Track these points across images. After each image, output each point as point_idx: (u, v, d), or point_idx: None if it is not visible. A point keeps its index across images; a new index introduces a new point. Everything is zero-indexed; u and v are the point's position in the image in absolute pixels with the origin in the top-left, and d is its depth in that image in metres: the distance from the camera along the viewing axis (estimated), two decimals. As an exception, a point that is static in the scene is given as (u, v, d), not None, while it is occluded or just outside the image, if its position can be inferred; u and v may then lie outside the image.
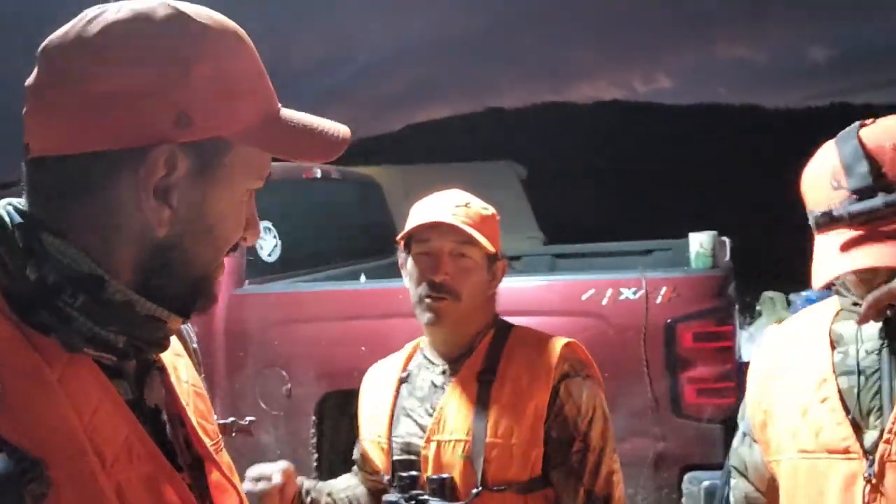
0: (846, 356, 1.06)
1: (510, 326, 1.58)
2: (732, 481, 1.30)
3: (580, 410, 1.45)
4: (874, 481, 0.98)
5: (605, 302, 2.94)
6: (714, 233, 3.02)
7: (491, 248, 1.51)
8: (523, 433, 1.43)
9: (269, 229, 3.89)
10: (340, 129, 0.79)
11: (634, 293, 2.91)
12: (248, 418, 1.13)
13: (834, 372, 1.06)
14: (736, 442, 1.28)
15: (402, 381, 1.59)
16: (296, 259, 4.04)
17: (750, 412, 1.23)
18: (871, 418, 1.01)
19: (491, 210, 1.57)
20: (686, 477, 2.84)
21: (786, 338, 1.22)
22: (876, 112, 1.10)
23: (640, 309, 2.88)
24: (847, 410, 1.03)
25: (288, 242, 4.01)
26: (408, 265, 1.55)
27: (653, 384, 2.86)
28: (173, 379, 0.79)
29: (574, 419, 1.45)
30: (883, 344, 1.03)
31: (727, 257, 3.40)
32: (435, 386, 1.54)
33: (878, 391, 1.01)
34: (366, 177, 5.32)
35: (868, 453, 1.00)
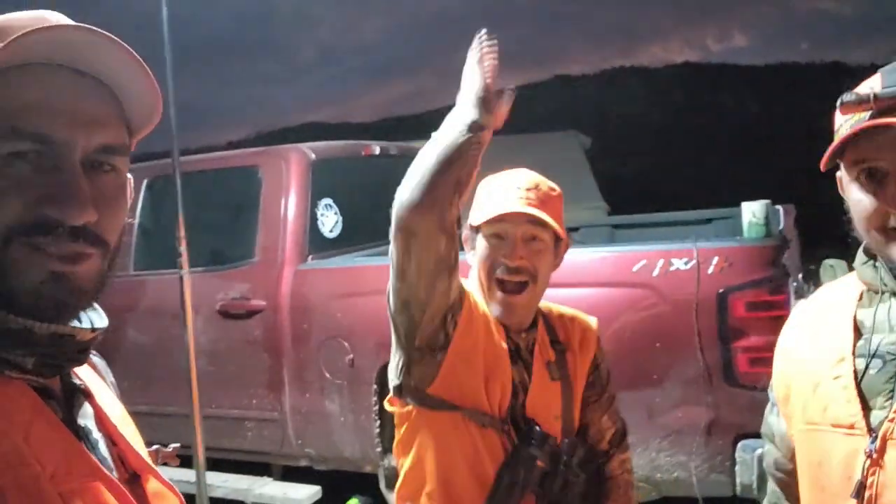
0: (867, 343, 1.08)
1: None
2: (766, 447, 1.34)
3: (608, 369, 1.76)
4: (875, 456, 1.00)
5: (656, 273, 2.95)
6: (767, 202, 2.98)
7: (561, 232, 1.58)
8: (580, 390, 1.67)
9: (331, 206, 4.03)
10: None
11: (686, 263, 2.91)
12: (173, 445, 1.16)
13: (853, 354, 1.08)
14: (767, 410, 1.32)
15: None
16: (357, 234, 4.17)
17: (775, 385, 1.26)
18: (881, 399, 1.03)
19: (558, 190, 1.61)
20: (739, 445, 2.85)
21: (812, 314, 1.23)
22: None
23: (691, 279, 2.89)
24: (859, 390, 1.05)
25: (350, 218, 4.14)
26: (477, 245, 1.60)
27: (705, 354, 2.87)
28: (99, 401, 0.80)
29: (605, 374, 1.75)
30: None
31: (781, 226, 3.35)
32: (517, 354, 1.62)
33: (893, 376, 1.03)
34: (425, 152, 5.39)
35: (872, 430, 1.02)
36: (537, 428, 1.52)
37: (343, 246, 4.05)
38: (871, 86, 1.02)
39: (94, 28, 0.69)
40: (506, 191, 1.55)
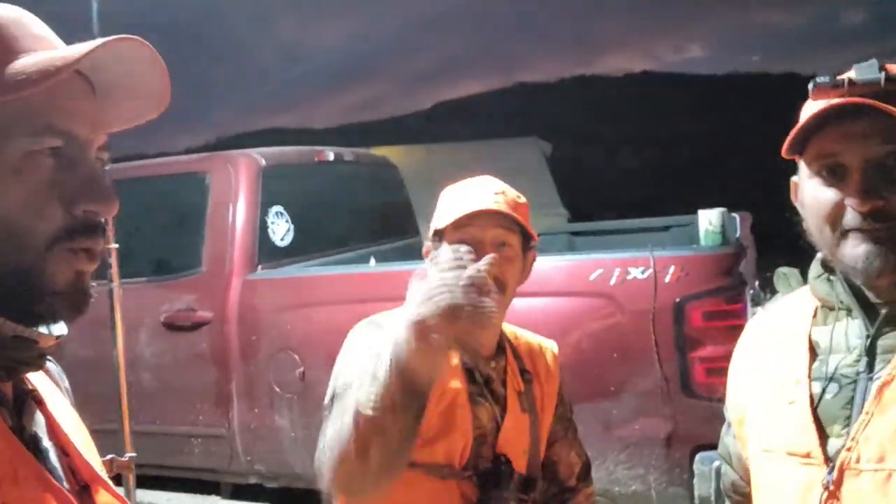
0: (823, 364, 1.03)
1: None
2: (723, 468, 1.29)
3: (566, 397, 1.67)
4: (832, 488, 0.95)
5: (613, 282, 2.90)
6: (723, 210, 2.96)
7: (534, 236, 1.50)
8: (546, 423, 1.59)
9: (282, 214, 3.92)
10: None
11: (643, 272, 2.87)
12: (129, 455, 1.09)
13: (809, 377, 1.03)
14: (723, 431, 1.27)
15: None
16: (309, 243, 4.07)
17: (730, 406, 1.21)
18: (838, 426, 0.98)
19: (524, 199, 1.52)
20: (697, 457, 2.81)
21: (765, 332, 1.18)
22: None
23: (648, 288, 2.84)
24: (815, 416, 1.00)
25: (301, 227, 4.04)
26: (441, 255, 1.49)
27: (663, 364, 2.83)
28: (51, 409, 0.77)
29: (569, 405, 1.68)
30: (861, 357, 0.99)
31: (738, 233, 3.33)
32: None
33: (850, 401, 0.98)
34: (380, 158, 5.31)
35: (829, 460, 0.97)
36: (508, 468, 1.43)
37: (295, 255, 3.94)
38: (848, 74, 0.96)
39: (145, 42, 0.71)
40: (473, 193, 1.46)
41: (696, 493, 2.83)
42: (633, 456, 2.90)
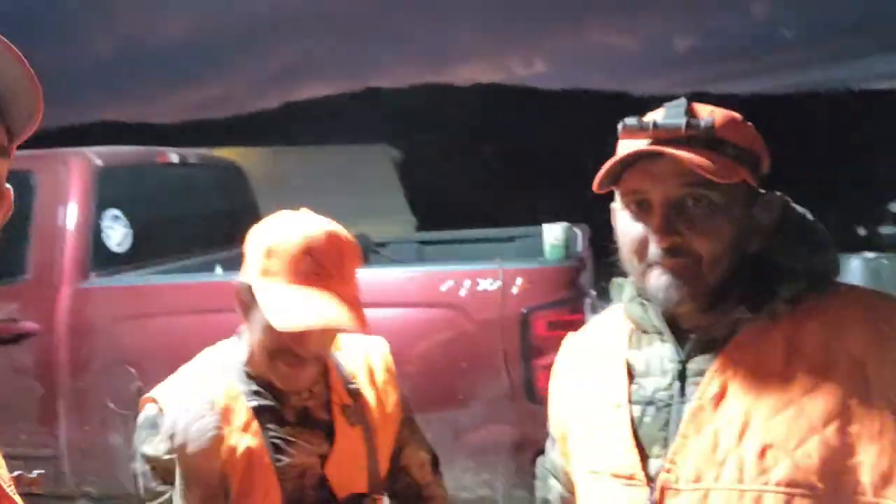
0: (641, 387, 1.08)
1: None
2: (550, 482, 1.34)
3: (403, 395, 1.62)
4: None
5: (463, 293, 2.97)
6: (567, 224, 3.11)
7: (362, 329, 1.39)
8: (392, 432, 1.55)
9: (119, 217, 3.69)
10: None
11: (492, 284, 2.95)
12: (36, 472, 1.03)
13: (630, 401, 1.08)
14: (548, 446, 1.32)
15: (258, 413, 1.39)
16: (149, 249, 3.85)
17: (553, 423, 1.26)
18: (657, 448, 1.03)
19: (353, 241, 1.40)
20: (539, 460, 2.92)
21: (581, 351, 1.23)
22: (731, 102, 1.12)
23: (497, 299, 2.94)
24: (636, 438, 1.05)
25: (141, 232, 3.82)
26: (255, 317, 1.36)
27: (510, 373, 2.92)
28: None
29: (406, 403, 1.62)
30: (674, 380, 1.05)
31: (580, 247, 3.51)
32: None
33: (667, 423, 1.04)
34: (227, 161, 5.13)
35: (651, 480, 1.02)
36: (329, 494, 1.40)
37: (133, 262, 3.72)
38: (655, 117, 1.03)
39: None
40: (296, 266, 1.31)
41: (538, 495, 2.95)
42: (481, 462, 2.98)
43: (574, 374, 1.22)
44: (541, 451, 2.89)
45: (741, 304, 1.02)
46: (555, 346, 2.86)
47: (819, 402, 0.94)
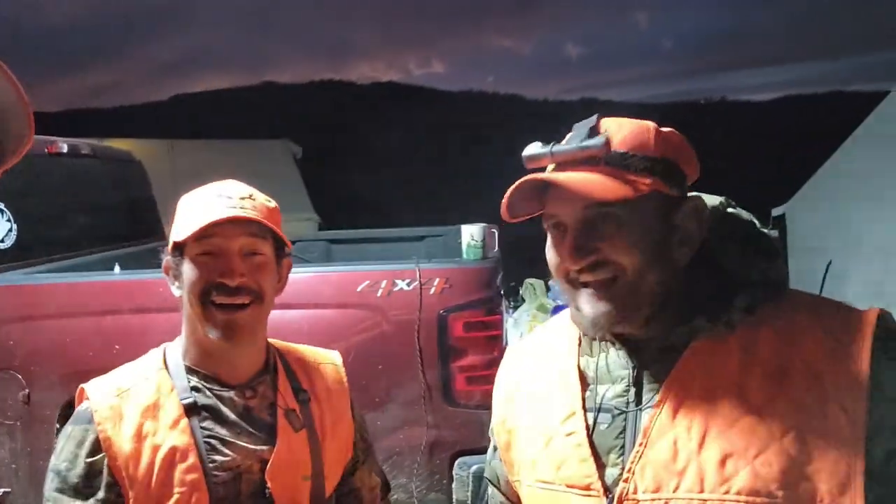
0: (595, 394, 1.06)
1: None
2: (490, 490, 1.29)
3: (360, 416, 1.57)
4: None
5: (380, 294, 2.91)
6: (484, 225, 3.10)
7: (288, 243, 1.39)
8: (342, 450, 1.49)
9: (3, 211, 3.41)
10: None
11: (409, 285, 2.91)
12: (3, 490, 0.98)
13: (584, 408, 1.06)
14: (489, 454, 1.27)
15: (192, 410, 1.32)
16: (37, 245, 3.58)
17: (496, 431, 1.22)
18: (613, 456, 1.01)
19: (274, 203, 1.40)
20: (456, 462, 2.91)
21: (531, 357, 1.20)
22: (616, 108, 1.11)
23: (414, 300, 2.89)
24: (592, 447, 1.03)
25: (27, 227, 3.54)
26: (184, 271, 1.32)
27: (426, 374, 2.89)
28: None
29: (361, 424, 1.57)
30: (629, 387, 1.04)
31: (496, 248, 3.52)
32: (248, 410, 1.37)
33: (623, 430, 1.02)
34: (123, 153, 4.84)
35: (608, 491, 1.00)
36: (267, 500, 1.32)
37: (17, 259, 3.45)
38: (562, 141, 1.02)
39: None
40: (216, 201, 1.32)
41: (455, 497, 2.93)
42: (397, 465, 2.93)
43: (521, 381, 1.18)
44: (459, 453, 2.91)
45: (698, 314, 1.01)
46: (472, 347, 2.91)
47: (777, 411, 0.94)
